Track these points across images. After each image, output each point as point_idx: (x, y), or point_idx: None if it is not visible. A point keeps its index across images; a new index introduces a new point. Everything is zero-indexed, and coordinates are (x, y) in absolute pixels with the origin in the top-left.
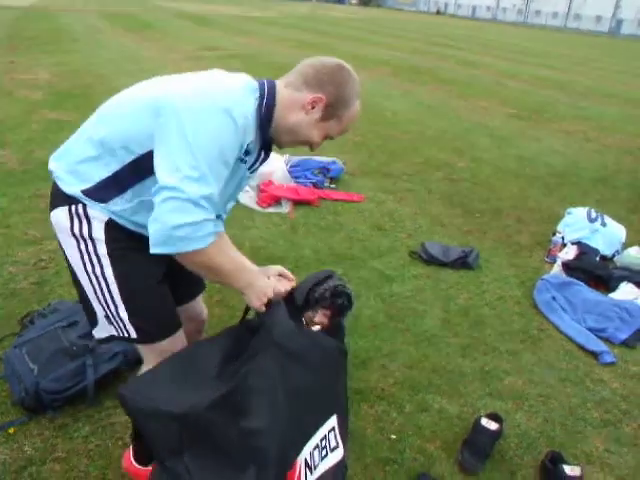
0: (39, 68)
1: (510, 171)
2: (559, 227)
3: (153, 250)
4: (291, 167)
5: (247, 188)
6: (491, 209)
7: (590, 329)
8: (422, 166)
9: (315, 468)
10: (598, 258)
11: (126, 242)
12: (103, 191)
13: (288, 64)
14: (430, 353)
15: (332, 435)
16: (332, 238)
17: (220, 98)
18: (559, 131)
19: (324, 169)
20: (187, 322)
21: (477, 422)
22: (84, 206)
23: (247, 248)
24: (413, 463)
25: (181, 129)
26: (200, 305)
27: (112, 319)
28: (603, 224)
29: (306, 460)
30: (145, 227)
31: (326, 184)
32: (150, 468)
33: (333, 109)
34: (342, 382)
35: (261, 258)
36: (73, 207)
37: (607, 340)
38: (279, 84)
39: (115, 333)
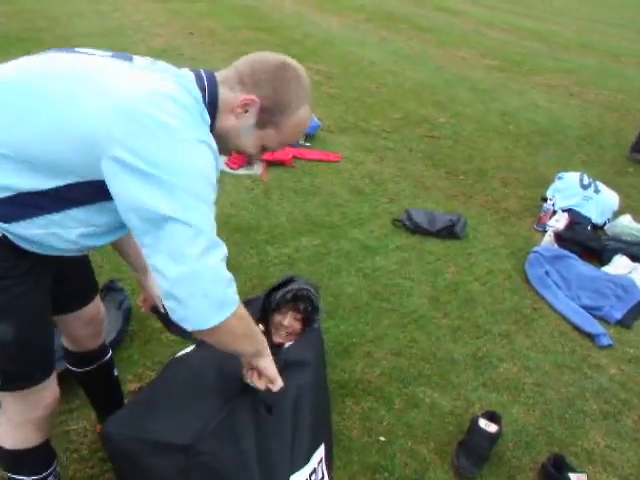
0: None
1: (493, 128)
2: (549, 193)
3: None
4: None
5: None
6: (475, 170)
7: (585, 307)
8: (402, 122)
9: None
10: (589, 227)
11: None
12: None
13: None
14: (418, 337)
15: (320, 467)
16: (308, 203)
17: (189, 125)
18: (541, 84)
19: None
20: (83, 327)
21: (474, 423)
22: None
23: (217, 216)
24: (405, 470)
25: (168, 186)
26: (96, 305)
27: None
28: (596, 191)
29: None
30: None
31: (301, 142)
32: None
33: (269, 115)
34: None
35: (232, 227)
36: None
37: (602, 319)
38: (218, 79)
39: None
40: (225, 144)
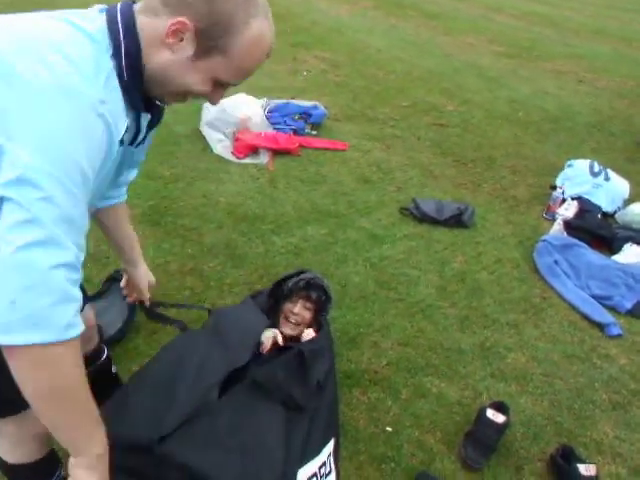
0: None
1: (502, 115)
2: (558, 181)
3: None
4: (269, 112)
5: (221, 136)
6: (484, 158)
7: (594, 296)
8: (409, 110)
9: None
10: (599, 215)
11: None
12: None
13: None
14: (426, 327)
15: (329, 460)
16: (315, 192)
17: (80, 88)
18: (551, 71)
19: (305, 114)
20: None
21: (482, 414)
22: None
23: (222, 204)
24: (411, 460)
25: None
26: (88, 312)
27: None
28: (606, 178)
29: None
30: None
31: (307, 130)
32: None
33: (209, 39)
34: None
35: (238, 216)
36: None
37: (612, 309)
38: (136, 10)
39: None
40: (168, 87)
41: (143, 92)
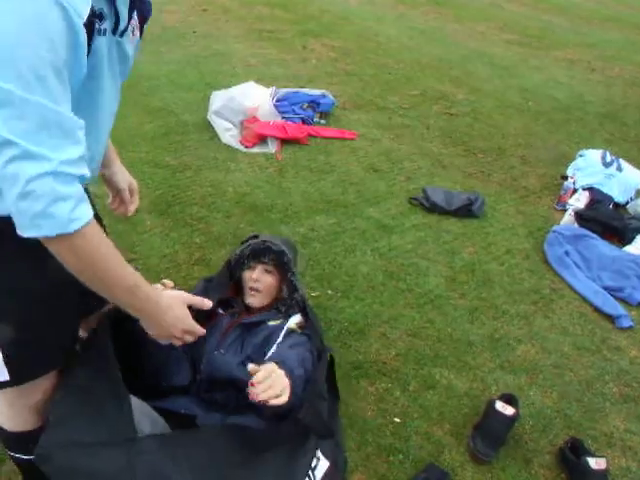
0: None
1: (513, 105)
2: (570, 171)
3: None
4: (277, 101)
5: (229, 125)
6: (494, 147)
7: (606, 288)
8: (419, 98)
9: None
10: (611, 206)
11: None
12: None
13: None
14: (435, 318)
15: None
16: (323, 181)
17: None
18: (562, 60)
19: (313, 103)
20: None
21: (491, 406)
22: None
23: (230, 194)
24: (419, 452)
25: None
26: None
27: None
28: (619, 169)
29: None
30: None
31: (316, 119)
32: None
33: None
34: None
35: (246, 206)
36: None
37: (623, 301)
38: None
39: None
40: None
41: None
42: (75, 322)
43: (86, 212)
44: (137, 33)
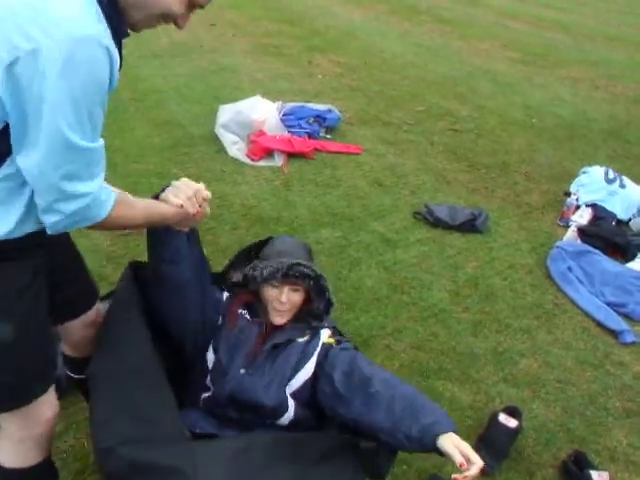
0: None
1: (516, 122)
2: (573, 187)
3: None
4: (284, 115)
5: (236, 139)
6: (498, 163)
7: (609, 303)
8: (423, 114)
9: None
10: (614, 223)
11: None
12: None
13: None
14: (438, 331)
15: None
16: (329, 195)
17: (78, 20)
18: (566, 78)
19: (320, 118)
20: (84, 331)
21: (494, 418)
22: None
23: (237, 206)
24: (423, 463)
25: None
26: (97, 308)
27: None
28: (622, 185)
29: None
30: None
31: (322, 134)
32: None
33: None
34: None
35: (252, 218)
36: None
37: (626, 316)
38: None
39: None
40: (148, 9)
41: (121, 24)
42: (47, 345)
43: (106, 198)
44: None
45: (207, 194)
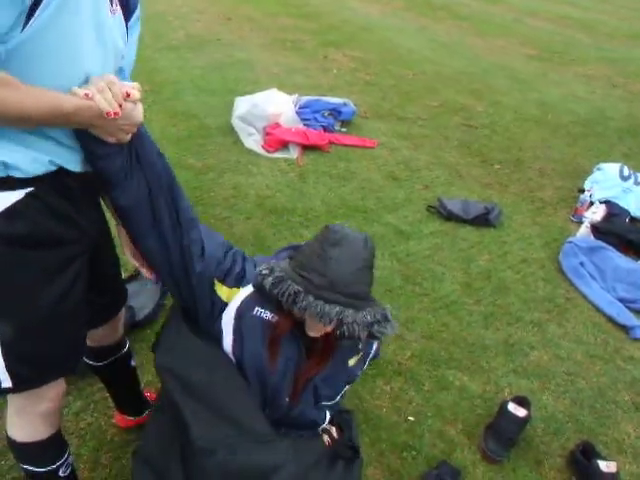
0: None
1: (531, 118)
2: (587, 184)
3: None
4: (300, 108)
5: (252, 130)
6: (512, 159)
7: (620, 299)
8: (438, 109)
9: None
10: (627, 220)
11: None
12: None
13: None
14: (450, 322)
15: None
16: (344, 188)
17: None
18: (583, 75)
19: (335, 111)
20: (107, 328)
21: (504, 407)
22: None
23: (252, 197)
24: (432, 449)
25: None
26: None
27: None
28: (637, 183)
29: None
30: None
31: (337, 127)
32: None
33: None
34: None
35: (267, 208)
36: None
37: (638, 312)
38: None
39: None
40: None
41: None
42: (79, 333)
43: None
44: (117, 10)
45: (132, 92)
